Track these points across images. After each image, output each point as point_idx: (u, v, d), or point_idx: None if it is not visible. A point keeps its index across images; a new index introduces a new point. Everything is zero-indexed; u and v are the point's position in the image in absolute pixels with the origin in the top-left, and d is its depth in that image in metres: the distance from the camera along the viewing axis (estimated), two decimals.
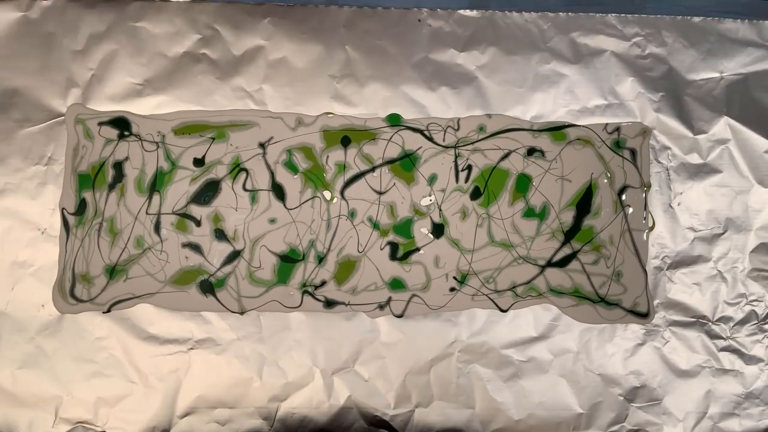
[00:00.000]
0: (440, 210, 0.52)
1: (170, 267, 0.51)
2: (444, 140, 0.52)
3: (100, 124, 0.51)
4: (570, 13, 0.53)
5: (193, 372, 0.50)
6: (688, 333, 0.51)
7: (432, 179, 0.52)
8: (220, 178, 0.51)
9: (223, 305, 0.51)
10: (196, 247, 0.51)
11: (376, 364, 0.51)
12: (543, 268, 0.52)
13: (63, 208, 0.50)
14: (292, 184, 0.52)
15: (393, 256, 0.52)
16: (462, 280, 0.51)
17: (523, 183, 0.52)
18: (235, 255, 0.51)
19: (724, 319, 0.51)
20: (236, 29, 0.52)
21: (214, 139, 0.52)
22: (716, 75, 0.53)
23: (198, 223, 0.51)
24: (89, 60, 0.52)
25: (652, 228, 0.52)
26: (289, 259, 0.51)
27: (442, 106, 0.52)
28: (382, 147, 0.52)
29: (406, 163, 0.52)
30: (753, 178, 0.52)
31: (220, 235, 0.51)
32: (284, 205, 0.51)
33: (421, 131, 0.52)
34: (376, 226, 0.52)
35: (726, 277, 0.52)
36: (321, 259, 0.51)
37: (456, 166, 0.52)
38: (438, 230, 0.52)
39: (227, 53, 0.52)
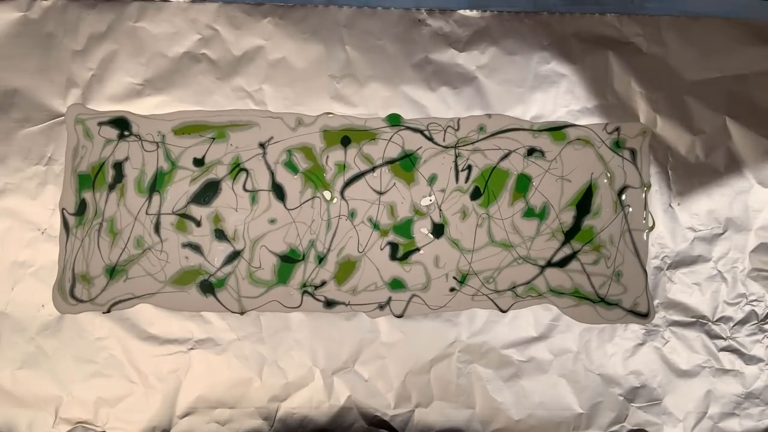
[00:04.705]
0: (440, 210, 0.52)
1: (170, 267, 0.51)
2: (444, 140, 0.52)
3: (100, 124, 0.51)
4: (570, 13, 0.53)
5: (193, 372, 0.50)
6: (688, 333, 0.51)
7: (432, 179, 0.52)
8: (220, 179, 0.51)
9: (223, 305, 0.51)
10: (196, 247, 0.51)
11: (376, 364, 0.51)
12: (543, 268, 0.52)
13: (63, 208, 0.50)
14: (292, 184, 0.52)
15: (393, 256, 0.52)
16: (462, 280, 0.51)
17: (523, 183, 0.52)
18: (235, 255, 0.51)
19: (724, 319, 0.52)
20: (236, 29, 0.52)
21: (214, 139, 0.52)
22: (716, 75, 0.53)
23: (198, 224, 0.51)
24: (89, 60, 0.52)
25: (652, 228, 0.52)
26: (289, 259, 0.51)
27: (442, 106, 0.52)
28: (382, 147, 0.52)
29: (406, 163, 0.52)
30: (753, 178, 0.52)
31: (220, 235, 0.51)
32: (284, 205, 0.51)
33: (421, 131, 0.52)
34: (376, 226, 0.52)
35: (726, 277, 0.52)
36: (321, 259, 0.51)
37: (456, 166, 0.52)
38: (438, 230, 0.52)
39: (227, 53, 0.52)
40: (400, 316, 0.51)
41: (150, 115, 0.51)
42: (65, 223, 0.50)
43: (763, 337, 0.52)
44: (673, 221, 0.52)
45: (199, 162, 0.52)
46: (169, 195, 0.51)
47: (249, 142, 0.52)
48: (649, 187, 0.52)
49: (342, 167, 0.52)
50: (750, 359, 0.51)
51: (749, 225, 0.52)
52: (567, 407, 0.51)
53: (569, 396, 0.51)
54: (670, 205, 0.52)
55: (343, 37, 0.53)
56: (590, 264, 0.52)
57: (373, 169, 0.52)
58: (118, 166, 0.51)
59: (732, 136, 0.52)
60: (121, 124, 0.51)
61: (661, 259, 0.52)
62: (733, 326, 0.51)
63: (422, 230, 0.52)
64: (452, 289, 0.51)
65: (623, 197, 0.52)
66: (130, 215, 0.51)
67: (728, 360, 0.51)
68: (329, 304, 0.51)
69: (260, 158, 0.52)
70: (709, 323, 0.52)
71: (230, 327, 0.51)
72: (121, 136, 0.51)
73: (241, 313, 0.51)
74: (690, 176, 0.52)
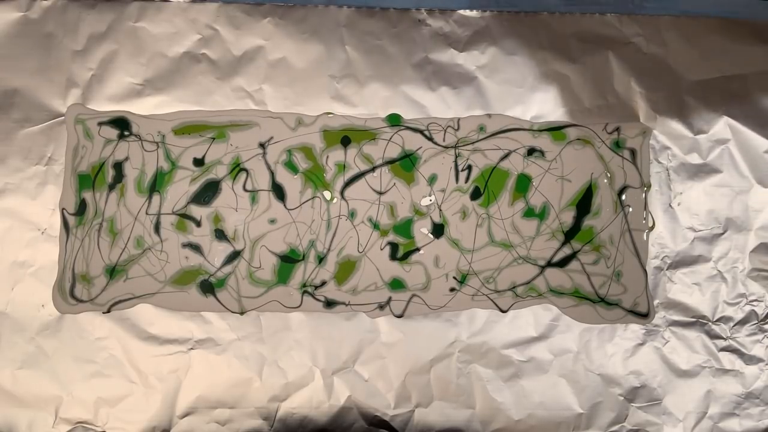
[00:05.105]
0: (440, 210, 0.52)
1: (170, 267, 0.51)
2: (444, 140, 0.52)
3: (100, 124, 0.51)
4: (570, 13, 0.53)
5: (193, 372, 0.50)
6: (688, 333, 0.51)
7: (432, 179, 0.52)
8: (220, 179, 0.51)
9: (223, 305, 0.51)
10: (196, 247, 0.51)
11: (376, 364, 0.51)
12: (543, 268, 0.52)
13: (63, 208, 0.50)
14: (292, 184, 0.52)
15: (393, 256, 0.52)
16: (462, 280, 0.51)
17: (523, 183, 0.52)
18: (235, 255, 0.51)
19: (724, 319, 0.52)
20: (236, 29, 0.52)
21: (214, 139, 0.52)
22: (716, 75, 0.53)
23: (198, 224, 0.51)
24: (89, 60, 0.52)
25: (652, 228, 0.52)
26: (289, 259, 0.51)
27: (442, 106, 0.52)
28: (382, 147, 0.52)
29: (406, 163, 0.52)
30: (753, 178, 0.52)
31: (220, 235, 0.51)
32: (284, 205, 0.51)
33: (421, 131, 0.52)
34: (376, 226, 0.52)
35: (726, 277, 0.52)
36: (321, 259, 0.51)
37: (456, 166, 0.52)
38: (438, 230, 0.52)
39: (227, 53, 0.52)
40: (400, 316, 0.51)
41: (150, 115, 0.51)
42: (65, 223, 0.50)
43: (763, 337, 0.52)
44: (673, 221, 0.52)
45: (199, 162, 0.52)
46: (169, 195, 0.51)
47: (249, 142, 0.52)
48: (649, 187, 0.52)
49: (342, 167, 0.52)
50: (750, 359, 0.51)
51: (749, 225, 0.52)
52: (567, 407, 0.51)
53: (569, 396, 0.51)
54: (670, 205, 0.52)
55: (343, 37, 0.53)
56: (590, 264, 0.52)
57: (373, 169, 0.52)
58: (118, 166, 0.51)
59: (732, 136, 0.52)
60: (121, 124, 0.51)
61: (661, 259, 0.52)
62: (733, 326, 0.51)
63: (422, 230, 0.52)
64: (452, 289, 0.51)
65: (623, 197, 0.52)
66: (130, 215, 0.51)
67: (728, 360, 0.51)
68: (329, 304, 0.51)
69: (260, 158, 0.52)
70: (709, 323, 0.52)
71: (230, 327, 0.51)
72: (121, 136, 0.51)
73: (241, 313, 0.51)
74: (690, 176, 0.52)
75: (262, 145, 0.52)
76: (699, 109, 0.53)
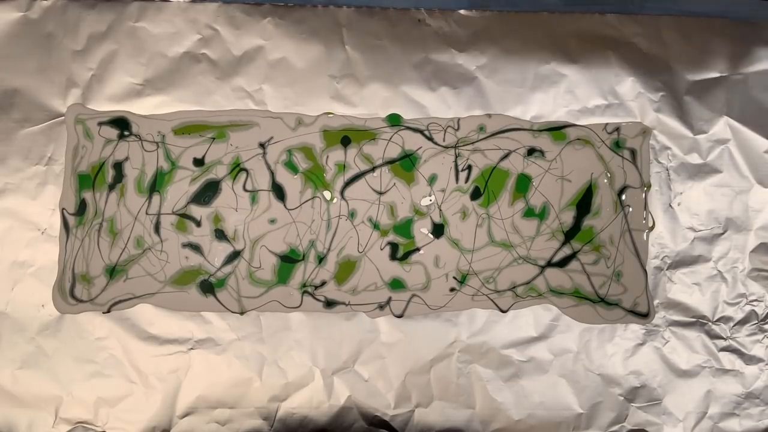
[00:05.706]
0: (440, 210, 0.52)
1: (170, 267, 0.51)
2: (444, 140, 0.52)
3: (100, 124, 0.51)
4: (570, 13, 0.53)
5: (193, 372, 0.50)
6: (688, 333, 0.51)
7: (432, 179, 0.52)
8: (220, 179, 0.51)
9: (223, 305, 0.51)
10: (196, 247, 0.51)
11: (376, 364, 0.51)
12: (543, 268, 0.52)
13: (63, 208, 0.51)
14: (292, 184, 0.52)
15: (393, 256, 0.52)
16: (462, 280, 0.51)
17: (523, 183, 0.52)
18: (235, 255, 0.51)
19: (724, 319, 0.52)
20: (236, 29, 0.52)
21: (214, 139, 0.52)
22: (716, 75, 0.53)
23: (198, 224, 0.51)
24: (89, 60, 0.52)
25: (652, 228, 0.52)
26: (289, 259, 0.51)
27: (442, 106, 0.52)
28: (382, 147, 0.52)
29: (406, 163, 0.52)
30: (753, 178, 0.52)
31: (220, 235, 0.51)
32: (284, 205, 0.51)
33: (421, 131, 0.52)
34: (376, 226, 0.52)
35: (726, 277, 0.52)
36: (321, 259, 0.51)
37: (456, 166, 0.52)
38: (438, 230, 0.52)
39: (227, 53, 0.52)
40: (400, 316, 0.51)
41: (150, 115, 0.51)
42: (65, 223, 0.50)
43: (763, 337, 0.52)
44: (673, 221, 0.52)
45: (199, 162, 0.52)
46: (169, 195, 0.51)
47: (249, 142, 0.52)
48: (649, 187, 0.52)
49: (342, 167, 0.52)
50: (750, 359, 0.51)
51: (749, 225, 0.52)
52: (567, 407, 0.51)
53: (569, 396, 0.51)
54: (670, 205, 0.52)
55: (343, 37, 0.53)
56: (590, 264, 0.52)
57: (373, 169, 0.52)
58: (118, 166, 0.51)
59: (732, 136, 0.52)
60: (121, 124, 0.51)
61: (661, 259, 0.52)
62: (733, 326, 0.51)
63: (422, 230, 0.52)
64: (452, 289, 0.51)
65: (623, 197, 0.52)
66: (130, 215, 0.51)
67: (728, 360, 0.51)
68: (329, 304, 0.51)
69: (260, 158, 0.52)
70: (709, 323, 0.52)
71: (230, 327, 0.51)
72: (121, 136, 0.51)
73: (241, 313, 0.51)
74: (690, 176, 0.52)
75: (262, 145, 0.52)
76: (699, 109, 0.53)
